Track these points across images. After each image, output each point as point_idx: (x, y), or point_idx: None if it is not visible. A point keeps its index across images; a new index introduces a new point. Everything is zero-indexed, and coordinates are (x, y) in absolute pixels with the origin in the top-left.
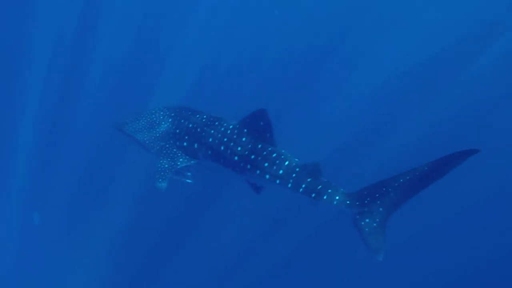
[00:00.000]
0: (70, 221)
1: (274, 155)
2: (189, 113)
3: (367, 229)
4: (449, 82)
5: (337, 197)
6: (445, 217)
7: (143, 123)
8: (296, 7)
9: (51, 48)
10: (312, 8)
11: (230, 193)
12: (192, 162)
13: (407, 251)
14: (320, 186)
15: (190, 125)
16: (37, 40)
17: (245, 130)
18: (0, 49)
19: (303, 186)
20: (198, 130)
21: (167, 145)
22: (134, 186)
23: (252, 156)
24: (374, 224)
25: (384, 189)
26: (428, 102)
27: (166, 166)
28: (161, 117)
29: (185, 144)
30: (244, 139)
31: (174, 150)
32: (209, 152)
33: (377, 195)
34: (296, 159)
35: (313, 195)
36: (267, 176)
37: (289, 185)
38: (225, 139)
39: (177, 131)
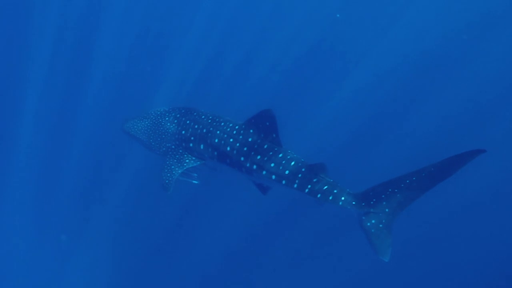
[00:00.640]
0: (72, 221)
1: (280, 155)
2: (195, 114)
3: (373, 230)
4: (452, 79)
5: (342, 198)
6: (448, 217)
7: (148, 124)
8: (296, 8)
9: (53, 47)
10: (312, 8)
11: (232, 192)
12: (198, 163)
13: (411, 251)
14: (326, 187)
15: (196, 126)
16: (38, 40)
17: (251, 131)
18: (1, 50)
19: (309, 186)
20: (204, 131)
21: (173, 146)
22: (138, 186)
23: (258, 157)
24: (380, 225)
25: (390, 190)
26: (431, 100)
27: (173, 167)
28: (167, 118)
29: (191, 145)
30: (250, 139)
31: (180, 151)
32: (215, 153)
33: (383, 196)
34: (302, 159)
35: (318, 195)
36: (273, 177)
37: (295, 185)
38: (231, 140)
39: (183, 132)
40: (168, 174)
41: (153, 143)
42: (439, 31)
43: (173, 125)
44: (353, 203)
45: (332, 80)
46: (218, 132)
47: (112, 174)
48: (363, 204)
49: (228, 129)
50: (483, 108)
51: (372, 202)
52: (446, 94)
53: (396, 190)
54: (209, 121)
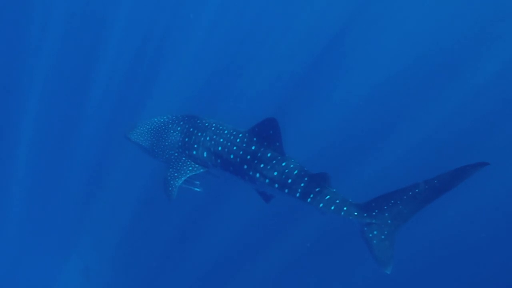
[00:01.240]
0: (73, 224)
1: (284, 164)
2: (198, 121)
3: (375, 241)
4: (449, 86)
5: (345, 208)
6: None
7: (151, 131)
8: (294, 12)
9: (56, 51)
10: (311, 12)
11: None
12: (201, 170)
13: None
14: (328, 196)
15: (200, 134)
16: (40, 42)
17: (255, 139)
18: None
19: (311, 195)
20: (208, 138)
21: (176, 154)
22: (139, 192)
23: (262, 165)
24: (382, 237)
25: (392, 201)
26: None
27: (176, 174)
28: (170, 126)
29: (194, 152)
30: (253, 147)
31: (183, 158)
32: (219, 161)
33: (385, 207)
34: (305, 168)
35: (320, 205)
36: (276, 185)
37: (298, 194)
38: (235, 148)
39: (186, 139)
40: (171, 182)
41: (156, 151)
42: (436, 38)
43: (177, 132)
44: (355, 213)
45: (328, 84)
46: (221, 140)
47: (114, 179)
48: (365, 215)
49: (232, 137)
50: (481, 117)
51: (374, 213)
52: (443, 100)
53: (398, 202)
54: (213, 128)
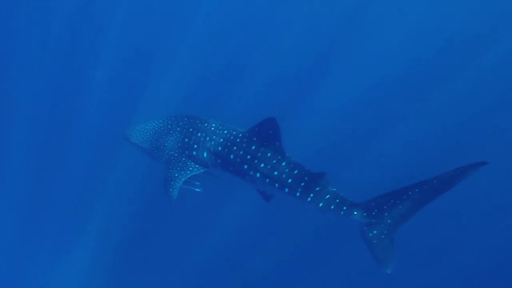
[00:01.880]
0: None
1: (284, 163)
2: (197, 121)
3: (374, 241)
4: (447, 86)
5: (344, 207)
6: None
7: (150, 132)
8: (289, 14)
9: (51, 52)
10: (308, 14)
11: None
12: (201, 170)
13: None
14: (328, 196)
15: (199, 134)
16: (36, 41)
17: (255, 139)
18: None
19: (311, 195)
20: (207, 139)
21: (176, 154)
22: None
23: (262, 165)
24: (382, 236)
25: (392, 201)
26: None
27: (176, 175)
28: (169, 126)
29: (194, 153)
30: (253, 147)
31: (183, 159)
32: (219, 161)
33: (385, 207)
34: (306, 168)
35: (320, 204)
36: (277, 185)
37: (298, 194)
38: (235, 148)
39: (186, 140)
40: (172, 183)
41: (155, 151)
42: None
43: (176, 133)
44: (355, 213)
45: (323, 84)
46: (221, 140)
47: (111, 179)
48: (365, 214)
49: (232, 137)
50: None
51: (374, 213)
52: (441, 99)
53: (398, 202)
54: (212, 129)
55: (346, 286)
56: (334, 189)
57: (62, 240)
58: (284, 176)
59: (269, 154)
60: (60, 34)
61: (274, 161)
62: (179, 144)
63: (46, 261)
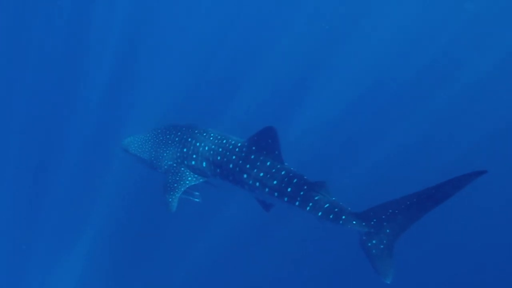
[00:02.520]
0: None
1: (283, 172)
2: (196, 131)
3: (374, 251)
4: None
5: (343, 217)
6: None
7: (149, 142)
8: (285, 18)
9: (45, 58)
10: (302, 19)
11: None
12: (200, 180)
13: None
14: (327, 205)
15: (198, 144)
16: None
17: (254, 148)
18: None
19: (310, 204)
20: (206, 148)
21: (175, 164)
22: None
23: (261, 174)
24: (381, 246)
25: (390, 211)
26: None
27: (175, 185)
28: (167, 136)
29: (193, 163)
30: (252, 156)
31: (182, 169)
32: (218, 170)
33: (383, 217)
34: (305, 177)
35: (319, 213)
36: (276, 194)
37: (297, 203)
38: (234, 157)
39: (185, 150)
40: (171, 193)
41: (154, 162)
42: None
43: (175, 143)
44: (354, 222)
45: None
46: (220, 149)
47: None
48: (364, 224)
49: (231, 147)
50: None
51: (372, 222)
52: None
53: (396, 211)
54: (211, 138)
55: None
56: (333, 198)
57: (59, 241)
58: (283, 185)
59: (268, 163)
60: (51, 41)
61: (274, 170)
62: (178, 154)
63: (43, 263)
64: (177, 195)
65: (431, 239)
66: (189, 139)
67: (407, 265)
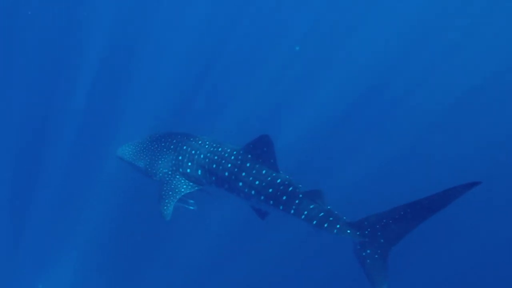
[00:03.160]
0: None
1: (278, 180)
2: (191, 139)
3: (368, 260)
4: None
5: (338, 226)
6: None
7: (144, 150)
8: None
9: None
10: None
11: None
12: (196, 188)
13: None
14: (321, 214)
15: (193, 152)
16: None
17: (249, 156)
18: None
19: (305, 212)
20: (202, 156)
21: (170, 172)
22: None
23: (257, 182)
24: (376, 256)
25: (384, 220)
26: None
27: (170, 193)
28: (163, 144)
29: (188, 170)
30: (248, 164)
31: (177, 177)
32: (213, 178)
33: (377, 226)
34: (300, 185)
35: (314, 222)
36: (271, 202)
37: (292, 211)
38: (229, 165)
39: (180, 157)
40: (166, 201)
41: (149, 169)
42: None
43: (170, 150)
44: (348, 231)
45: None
46: (216, 157)
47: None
48: (358, 233)
49: (226, 155)
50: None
51: (367, 232)
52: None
53: (390, 221)
54: (206, 146)
55: None
56: (329, 207)
57: (54, 243)
58: (278, 193)
59: (263, 171)
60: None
61: (269, 178)
62: (173, 162)
63: (37, 264)
64: (172, 203)
65: (423, 247)
66: (184, 147)
67: (401, 274)
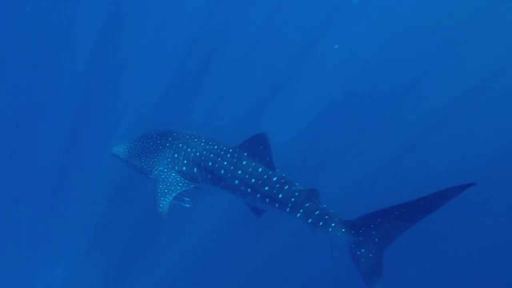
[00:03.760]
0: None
1: (275, 178)
2: (187, 137)
3: (362, 259)
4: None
5: (333, 224)
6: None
7: (140, 148)
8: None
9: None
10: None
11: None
12: (191, 186)
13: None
14: (317, 212)
15: (189, 149)
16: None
17: (245, 154)
18: None
19: (301, 211)
20: (197, 154)
21: (165, 170)
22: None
23: (253, 180)
24: (370, 255)
25: (379, 220)
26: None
27: (166, 191)
28: (158, 142)
29: (184, 168)
30: (244, 162)
31: (173, 174)
32: (209, 176)
33: (372, 226)
34: (296, 183)
35: (309, 220)
36: (267, 200)
37: (288, 209)
38: (225, 163)
39: (176, 155)
40: (162, 198)
41: (145, 167)
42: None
43: (165, 148)
44: (343, 230)
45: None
46: (212, 155)
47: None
48: (353, 232)
49: (222, 152)
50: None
51: (361, 231)
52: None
53: (385, 221)
54: (202, 144)
55: None
56: (324, 206)
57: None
58: (274, 191)
59: (260, 169)
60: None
61: (265, 176)
62: (169, 160)
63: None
64: (168, 200)
65: (419, 246)
66: (180, 145)
67: (395, 273)
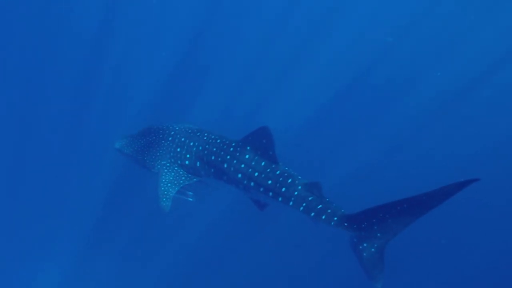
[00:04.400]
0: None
1: (278, 172)
2: (190, 131)
3: (364, 254)
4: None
5: (335, 218)
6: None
7: (143, 142)
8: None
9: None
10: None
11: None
12: (194, 180)
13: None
14: (320, 206)
15: (192, 143)
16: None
17: (248, 148)
18: None
19: (304, 204)
20: (200, 148)
21: (168, 164)
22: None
23: (256, 174)
24: (372, 250)
25: (381, 214)
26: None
27: (169, 185)
28: (161, 136)
29: (187, 162)
30: (247, 156)
31: (176, 168)
32: (212, 170)
33: (374, 220)
34: (299, 177)
35: (312, 214)
36: (270, 194)
37: (291, 203)
38: (228, 157)
39: (178, 149)
40: (165, 193)
41: (147, 161)
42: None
43: (168, 142)
44: (345, 224)
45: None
46: (214, 149)
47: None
48: (355, 226)
49: (225, 146)
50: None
51: (363, 225)
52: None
53: (387, 216)
54: (205, 138)
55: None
56: (327, 199)
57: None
58: (278, 185)
59: (263, 163)
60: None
61: (268, 170)
62: (172, 154)
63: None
64: (171, 194)
65: (421, 241)
66: (183, 139)
67: (397, 268)
